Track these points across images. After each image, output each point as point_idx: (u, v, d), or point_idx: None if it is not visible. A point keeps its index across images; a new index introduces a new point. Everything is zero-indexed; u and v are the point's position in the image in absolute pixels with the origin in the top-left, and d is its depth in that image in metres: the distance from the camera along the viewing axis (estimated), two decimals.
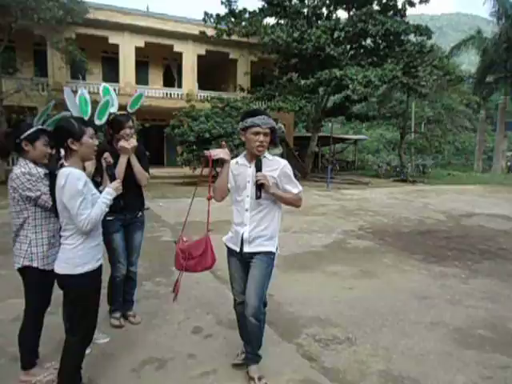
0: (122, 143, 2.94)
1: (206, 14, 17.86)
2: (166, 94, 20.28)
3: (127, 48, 18.99)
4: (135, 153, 3.05)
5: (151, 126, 17.92)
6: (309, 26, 15.94)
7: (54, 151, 2.46)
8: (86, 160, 2.27)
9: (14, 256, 2.38)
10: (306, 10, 17.45)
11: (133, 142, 2.98)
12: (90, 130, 2.17)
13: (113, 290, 3.21)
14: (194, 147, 14.73)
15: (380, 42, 17.89)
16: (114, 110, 3.04)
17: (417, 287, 4.35)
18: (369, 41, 18.28)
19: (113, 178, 2.43)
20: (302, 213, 8.79)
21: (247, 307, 2.38)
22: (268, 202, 2.40)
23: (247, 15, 17.82)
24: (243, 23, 16.79)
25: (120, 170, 2.88)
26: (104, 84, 3.19)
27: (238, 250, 2.44)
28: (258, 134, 2.32)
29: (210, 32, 18.06)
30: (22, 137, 2.34)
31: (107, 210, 2.18)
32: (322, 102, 19.04)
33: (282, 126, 17.36)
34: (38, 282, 2.37)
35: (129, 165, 2.99)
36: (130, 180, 2.95)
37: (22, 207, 2.33)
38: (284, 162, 2.43)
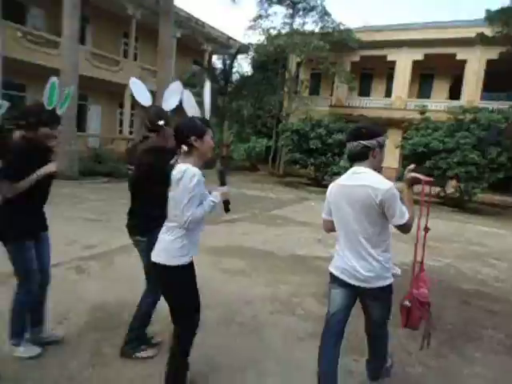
0: None
1: (487, 11, 15.40)
2: (448, 107, 18.76)
3: (403, 63, 19.44)
4: None
5: None
6: None
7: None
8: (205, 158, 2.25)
9: None
10: None
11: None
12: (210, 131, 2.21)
13: None
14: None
15: None
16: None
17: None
18: None
19: (222, 183, 2.30)
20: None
21: None
22: None
23: None
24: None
25: None
26: (53, 80, 2.58)
27: None
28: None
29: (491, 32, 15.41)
30: None
31: (210, 211, 2.16)
32: None
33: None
34: None
35: None
36: None
37: None
38: None
